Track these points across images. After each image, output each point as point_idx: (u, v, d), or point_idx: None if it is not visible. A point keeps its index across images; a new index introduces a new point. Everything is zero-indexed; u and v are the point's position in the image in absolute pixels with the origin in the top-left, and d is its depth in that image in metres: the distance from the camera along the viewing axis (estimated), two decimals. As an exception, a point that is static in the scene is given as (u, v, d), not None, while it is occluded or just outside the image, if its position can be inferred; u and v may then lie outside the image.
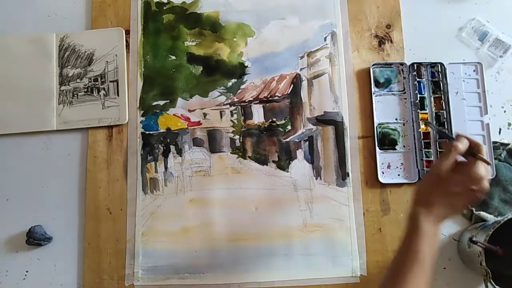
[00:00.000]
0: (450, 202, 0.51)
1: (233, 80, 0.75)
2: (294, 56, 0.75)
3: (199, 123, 0.74)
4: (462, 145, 0.51)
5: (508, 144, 0.72)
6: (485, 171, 0.50)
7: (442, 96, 0.72)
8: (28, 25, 0.78)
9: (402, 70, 0.74)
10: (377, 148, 0.71)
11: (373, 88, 0.73)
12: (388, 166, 0.71)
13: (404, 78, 0.74)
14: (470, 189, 0.50)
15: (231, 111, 0.74)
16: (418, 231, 0.50)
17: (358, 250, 0.69)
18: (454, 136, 0.54)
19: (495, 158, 0.70)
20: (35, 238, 0.68)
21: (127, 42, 0.76)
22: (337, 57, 0.75)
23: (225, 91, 0.75)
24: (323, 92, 0.74)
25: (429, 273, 0.49)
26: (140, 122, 0.74)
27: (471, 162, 0.51)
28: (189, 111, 0.74)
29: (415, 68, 0.73)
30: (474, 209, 0.69)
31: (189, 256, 0.69)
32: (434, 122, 0.72)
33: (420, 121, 0.71)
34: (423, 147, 0.71)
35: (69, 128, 0.73)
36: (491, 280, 0.57)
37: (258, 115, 0.74)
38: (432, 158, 0.70)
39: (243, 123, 0.74)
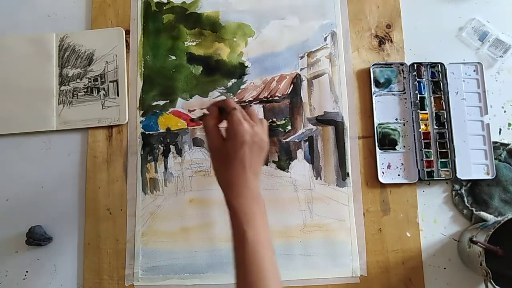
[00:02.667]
0: (246, 166, 0.49)
1: (233, 80, 0.75)
2: (294, 56, 0.75)
3: (199, 123, 0.74)
4: (211, 116, 0.51)
5: (508, 144, 0.72)
6: (239, 114, 0.50)
7: (442, 96, 0.72)
8: (28, 25, 0.78)
9: (402, 70, 0.74)
10: (377, 148, 0.71)
11: (373, 88, 0.73)
12: (388, 166, 0.71)
13: (404, 78, 0.74)
14: (249, 142, 0.49)
15: (231, 111, 0.74)
16: (236, 215, 0.48)
17: (358, 250, 0.69)
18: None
19: (495, 158, 0.70)
20: (35, 238, 0.68)
21: (127, 42, 0.76)
22: (337, 57, 0.75)
23: (225, 91, 0.75)
24: (323, 92, 0.74)
25: (269, 251, 0.47)
26: (140, 122, 0.74)
27: (228, 121, 0.50)
28: (189, 111, 0.74)
29: (415, 68, 0.73)
30: (474, 210, 0.69)
31: (189, 256, 0.69)
32: (434, 121, 0.72)
33: (420, 121, 0.71)
34: (423, 147, 0.71)
35: (69, 128, 0.73)
36: (491, 280, 0.57)
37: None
38: (432, 158, 0.70)
39: (243, 123, 0.73)
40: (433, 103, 0.72)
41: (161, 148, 0.73)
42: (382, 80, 0.74)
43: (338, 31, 0.76)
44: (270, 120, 0.73)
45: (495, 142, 0.71)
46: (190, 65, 0.76)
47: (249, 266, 0.46)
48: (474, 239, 0.60)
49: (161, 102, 0.74)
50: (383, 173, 0.71)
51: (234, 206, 0.48)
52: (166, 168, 0.72)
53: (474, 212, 0.69)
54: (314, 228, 0.70)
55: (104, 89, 0.75)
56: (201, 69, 0.76)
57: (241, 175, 0.49)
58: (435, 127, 0.72)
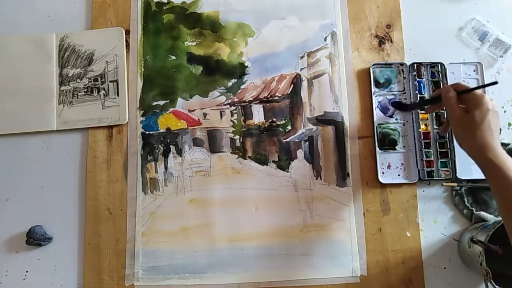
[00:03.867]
0: (493, 129, 0.57)
1: (233, 80, 0.75)
2: (294, 56, 0.75)
3: (199, 123, 0.74)
4: (451, 92, 0.60)
5: (508, 144, 0.72)
6: (484, 95, 0.58)
7: (442, 96, 0.72)
8: (28, 25, 0.78)
9: (402, 70, 0.74)
10: (377, 148, 0.71)
11: (373, 88, 0.73)
12: (388, 166, 0.71)
13: (404, 78, 0.74)
14: (492, 110, 0.57)
15: (231, 111, 0.74)
16: (497, 166, 0.54)
17: (358, 250, 0.69)
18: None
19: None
20: (35, 238, 0.68)
21: (127, 42, 0.76)
22: (337, 57, 0.75)
23: (225, 91, 0.75)
24: (323, 92, 0.74)
25: None
26: (140, 122, 0.74)
27: (468, 98, 0.59)
28: (189, 111, 0.74)
29: (415, 68, 0.73)
30: (474, 209, 0.69)
31: (189, 256, 0.69)
32: (434, 121, 0.72)
33: (420, 121, 0.71)
34: (423, 147, 0.71)
35: (69, 128, 0.73)
36: (492, 280, 0.57)
37: (258, 115, 0.74)
38: (432, 158, 0.70)
39: (243, 123, 0.74)
40: (433, 103, 0.72)
41: (161, 148, 0.73)
42: (382, 80, 0.74)
43: (338, 31, 0.76)
44: (270, 120, 0.74)
45: (495, 142, 0.71)
46: (190, 65, 0.76)
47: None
48: (475, 238, 0.60)
49: (161, 102, 0.74)
50: (383, 173, 0.71)
51: (495, 161, 0.55)
52: (166, 168, 0.72)
53: (474, 212, 0.69)
54: (314, 228, 0.70)
55: (104, 89, 0.75)
56: (201, 69, 0.76)
57: (493, 139, 0.57)
58: (435, 127, 0.72)
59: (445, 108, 0.63)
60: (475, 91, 0.59)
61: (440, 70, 0.73)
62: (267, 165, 0.72)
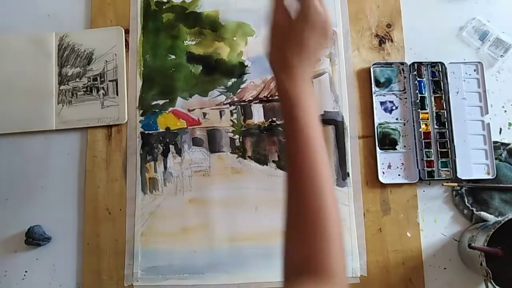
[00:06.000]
0: (306, 54, 0.45)
1: (233, 80, 0.75)
2: (294, 55, 0.75)
3: (198, 123, 0.73)
4: None
5: (508, 144, 0.72)
6: (321, 6, 0.45)
7: (443, 96, 0.72)
8: (27, 25, 0.78)
9: (403, 69, 0.74)
10: (377, 148, 0.71)
11: (374, 88, 0.73)
12: (389, 166, 0.71)
13: (405, 77, 0.74)
14: (319, 27, 0.45)
15: (231, 111, 0.74)
16: (290, 100, 0.44)
17: (358, 250, 0.68)
18: None
19: (495, 158, 0.70)
20: (34, 238, 0.68)
21: (126, 41, 0.76)
22: (337, 56, 0.75)
23: (225, 90, 0.75)
24: (323, 91, 0.74)
25: (321, 139, 0.43)
26: (140, 122, 0.73)
27: (303, 2, 0.45)
28: (189, 110, 0.74)
29: (416, 67, 0.73)
30: (474, 210, 0.68)
31: (189, 256, 0.69)
32: (435, 121, 0.71)
33: (421, 121, 0.71)
34: (423, 147, 0.70)
35: (68, 127, 0.73)
36: (492, 281, 0.57)
37: (258, 115, 0.74)
38: (432, 158, 0.70)
39: (243, 123, 0.73)
40: (433, 103, 0.72)
41: (161, 147, 0.73)
42: (382, 80, 0.74)
43: (338, 30, 0.76)
44: (270, 120, 0.73)
45: (495, 142, 0.71)
46: (190, 65, 0.75)
47: (299, 153, 0.43)
48: (473, 244, 0.59)
49: (161, 102, 0.74)
50: (383, 173, 0.71)
51: (287, 88, 0.44)
52: (165, 167, 0.72)
53: (475, 212, 0.68)
54: (314, 228, 0.69)
55: (103, 88, 0.74)
56: (201, 68, 0.75)
57: (301, 57, 0.45)
58: (436, 126, 0.71)
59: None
60: None
61: (440, 69, 0.73)
62: (267, 165, 0.72)
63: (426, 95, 0.72)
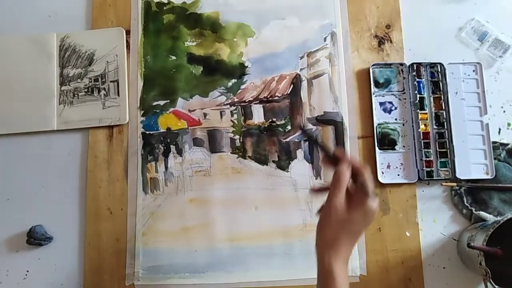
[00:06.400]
0: (354, 240, 0.50)
1: (233, 80, 0.75)
2: (294, 56, 0.75)
3: (199, 123, 0.74)
4: (348, 172, 0.49)
5: (507, 144, 0.72)
6: (377, 204, 0.49)
7: (442, 96, 0.72)
8: (29, 25, 0.78)
9: (402, 70, 0.74)
10: (376, 148, 0.71)
11: (373, 88, 0.73)
12: (388, 166, 0.71)
13: (404, 78, 0.74)
14: (368, 224, 0.50)
15: (231, 111, 0.74)
16: (332, 277, 0.47)
17: (358, 250, 0.69)
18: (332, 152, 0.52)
19: (494, 158, 0.71)
20: (35, 238, 0.68)
21: (127, 42, 0.76)
22: (337, 57, 0.75)
23: (225, 91, 0.75)
24: (323, 92, 0.74)
25: None
26: (141, 122, 0.74)
27: (364, 198, 0.48)
28: (190, 111, 0.74)
29: (415, 68, 0.73)
30: (473, 209, 0.69)
31: (189, 256, 0.69)
32: (434, 122, 0.72)
33: (420, 121, 0.71)
34: (422, 147, 0.71)
35: (70, 128, 0.73)
36: (491, 280, 0.58)
37: (258, 115, 0.74)
38: (431, 158, 0.71)
39: (243, 123, 0.74)
40: (432, 103, 0.72)
41: (162, 148, 0.73)
42: (381, 80, 0.74)
43: (338, 31, 0.76)
44: (270, 120, 0.74)
45: (494, 142, 0.72)
46: (190, 65, 0.76)
47: None
48: (472, 244, 0.59)
49: (162, 102, 0.75)
50: (382, 173, 0.71)
51: (333, 268, 0.48)
52: (166, 168, 0.72)
53: (474, 212, 0.69)
54: (314, 227, 0.68)
55: (104, 89, 0.75)
56: (201, 69, 0.76)
57: (352, 242, 0.50)
58: (435, 127, 0.72)
59: (330, 184, 0.51)
60: (367, 187, 0.49)
61: (439, 70, 0.73)
62: (267, 165, 0.72)
63: (425, 95, 0.72)
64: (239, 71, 0.75)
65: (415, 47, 0.75)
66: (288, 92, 0.74)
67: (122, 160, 0.73)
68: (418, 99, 0.72)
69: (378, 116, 0.73)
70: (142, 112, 0.74)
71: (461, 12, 0.77)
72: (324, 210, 0.51)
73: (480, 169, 0.71)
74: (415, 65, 0.73)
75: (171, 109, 0.74)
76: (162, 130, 0.74)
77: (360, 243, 0.69)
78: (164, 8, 0.78)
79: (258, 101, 0.74)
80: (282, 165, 0.72)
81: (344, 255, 0.49)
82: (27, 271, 0.70)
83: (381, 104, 0.73)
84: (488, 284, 0.58)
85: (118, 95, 0.74)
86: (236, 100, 0.74)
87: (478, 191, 0.70)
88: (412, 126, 0.72)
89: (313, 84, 0.75)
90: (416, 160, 0.71)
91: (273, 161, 0.72)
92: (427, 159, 0.71)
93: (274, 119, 0.74)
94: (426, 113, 0.72)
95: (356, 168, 0.50)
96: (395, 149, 0.72)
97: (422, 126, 0.72)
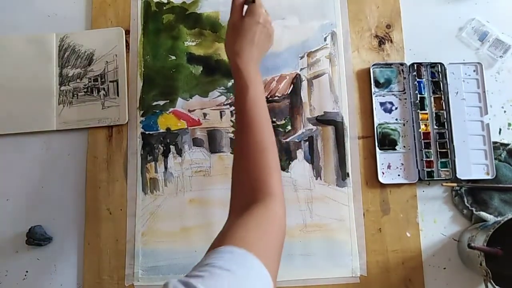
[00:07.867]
0: (253, 43, 0.59)
1: (233, 80, 0.75)
2: (294, 56, 0.75)
3: (199, 123, 0.74)
4: None
5: (508, 145, 0.72)
6: (262, 8, 0.61)
7: (442, 96, 0.72)
8: (28, 25, 0.78)
9: (402, 70, 0.74)
10: (377, 148, 0.71)
11: (373, 88, 0.73)
12: (388, 166, 0.71)
13: (404, 78, 0.74)
14: (261, 25, 0.60)
15: (231, 111, 0.74)
16: (239, 70, 0.57)
17: (358, 250, 0.69)
18: None
19: (495, 158, 0.71)
20: (35, 238, 0.68)
21: (127, 42, 0.76)
22: (337, 57, 0.75)
23: (225, 91, 0.75)
24: (323, 92, 0.74)
25: (264, 102, 0.56)
26: (140, 122, 0.74)
27: (252, 6, 0.61)
28: (189, 111, 0.74)
29: (415, 68, 0.73)
30: (474, 210, 0.69)
31: (189, 256, 0.69)
32: (434, 122, 0.72)
33: (420, 121, 0.71)
34: (423, 147, 0.71)
35: (69, 128, 0.73)
36: (491, 280, 0.57)
37: (258, 115, 0.74)
38: (432, 158, 0.70)
39: (243, 123, 0.73)
40: (433, 103, 0.72)
41: (161, 148, 0.73)
42: (382, 80, 0.74)
43: (338, 31, 0.76)
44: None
45: (495, 142, 0.71)
46: (190, 65, 0.76)
47: (249, 114, 0.54)
48: (472, 244, 0.59)
49: (161, 102, 0.74)
50: (383, 173, 0.71)
51: (240, 66, 0.57)
52: (166, 168, 0.72)
53: (474, 212, 0.69)
54: (314, 228, 0.70)
55: (104, 89, 0.75)
56: (201, 69, 0.76)
57: (249, 48, 0.59)
58: (435, 127, 0.72)
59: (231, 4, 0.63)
60: (256, 1, 0.61)
61: (440, 70, 0.73)
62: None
63: (425, 95, 0.72)
64: (239, 71, 0.75)
65: (415, 47, 0.75)
66: (288, 92, 0.74)
67: (122, 160, 0.72)
68: (418, 99, 0.72)
69: (379, 116, 0.73)
70: (142, 112, 0.74)
71: (462, 12, 0.76)
72: (227, 25, 0.62)
73: (480, 169, 0.71)
74: (415, 65, 0.73)
75: (171, 109, 0.74)
76: (161, 130, 0.73)
77: (360, 243, 0.69)
78: (164, 8, 0.78)
79: (258, 101, 0.74)
80: (282, 165, 0.72)
81: (247, 57, 0.58)
82: (27, 271, 0.70)
83: (381, 104, 0.73)
84: (489, 284, 0.58)
85: (118, 95, 0.74)
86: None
87: (479, 192, 0.70)
88: (413, 126, 0.72)
89: (313, 84, 0.74)
90: (416, 160, 0.71)
91: (273, 161, 0.72)
92: (428, 159, 0.70)
93: (274, 119, 0.73)
94: (426, 113, 0.72)
95: None
96: (395, 149, 0.72)
97: (422, 126, 0.71)
